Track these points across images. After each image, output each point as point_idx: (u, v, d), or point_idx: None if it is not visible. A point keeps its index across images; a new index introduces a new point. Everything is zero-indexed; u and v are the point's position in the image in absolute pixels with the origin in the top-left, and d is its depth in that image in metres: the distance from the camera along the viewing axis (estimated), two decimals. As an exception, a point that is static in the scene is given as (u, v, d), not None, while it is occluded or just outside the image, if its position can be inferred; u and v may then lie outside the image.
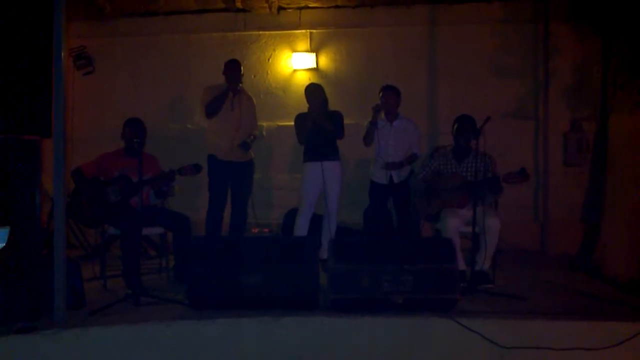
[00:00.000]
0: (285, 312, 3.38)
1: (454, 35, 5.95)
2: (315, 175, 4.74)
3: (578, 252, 5.05)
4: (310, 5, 6.03)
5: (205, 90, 4.86)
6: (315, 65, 6.06)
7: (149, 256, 5.15)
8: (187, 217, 4.30)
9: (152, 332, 3.27)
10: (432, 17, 5.96)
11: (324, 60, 6.11)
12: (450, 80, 5.92)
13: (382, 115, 4.78)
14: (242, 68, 4.90)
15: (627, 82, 4.80)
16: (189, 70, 6.12)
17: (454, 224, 4.10)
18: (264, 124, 5.96)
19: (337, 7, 6.04)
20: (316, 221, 4.88)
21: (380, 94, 4.79)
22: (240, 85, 4.87)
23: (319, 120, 4.68)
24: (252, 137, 4.93)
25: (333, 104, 4.97)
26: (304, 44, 6.11)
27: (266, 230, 5.47)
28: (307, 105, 4.83)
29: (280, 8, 6.05)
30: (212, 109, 4.74)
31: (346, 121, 4.92)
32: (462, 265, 4.06)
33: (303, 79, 5.98)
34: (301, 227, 4.76)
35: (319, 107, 4.76)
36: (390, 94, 4.78)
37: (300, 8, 6.08)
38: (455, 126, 4.41)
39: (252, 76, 6.05)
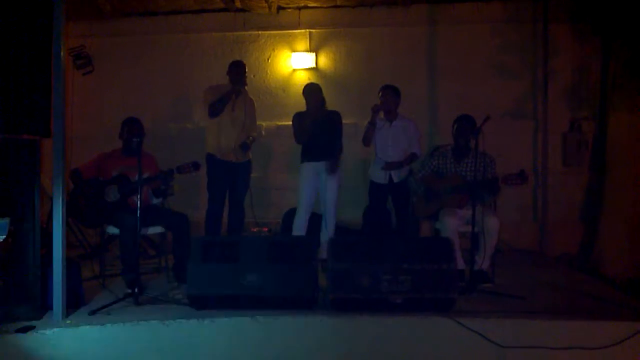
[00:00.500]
0: (284, 311, 3.39)
1: (453, 35, 5.95)
2: (312, 175, 4.75)
3: (577, 251, 5.07)
4: (309, 5, 6.03)
5: (208, 91, 4.86)
6: (314, 65, 6.06)
7: (148, 256, 5.15)
8: (187, 216, 4.30)
9: (151, 331, 3.27)
10: (431, 16, 5.96)
11: (324, 60, 6.11)
12: (450, 80, 5.92)
13: (382, 114, 4.78)
14: (246, 69, 4.91)
15: (626, 82, 4.82)
16: (188, 70, 6.13)
17: (453, 224, 4.10)
18: (263, 123, 5.97)
19: (336, 6, 6.04)
20: (315, 221, 4.89)
21: (380, 94, 4.79)
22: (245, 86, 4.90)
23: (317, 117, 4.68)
24: (251, 138, 4.94)
25: (332, 104, 4.96)
26: (303, 43, 6.11)
27: (265, 229, 5.48)
28: (305, 104, 4.84)
29: (279, 8, 6.05)
30: (216, 109, 4.75)
31: (345, 121, 4.92)
32: (461, 264, 4.06)
33: (302, 79, 5.98)
34: (300, 227, 4.77)
35: (316, 107, 4.77)
36: (390, 93, 4.78)
37: (300, 8, 6.08)
38: (455, 126, 4.41)
39: (252, 76, 6.05)
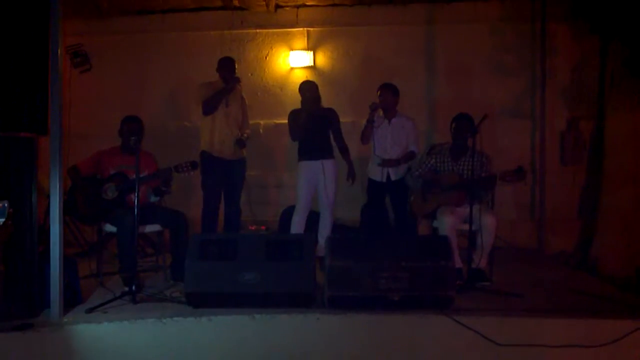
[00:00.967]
0: (282, 309, 3.39)
1: (451, 34, 5.94)
2: (310, 174, 4.76)
3: (574, 250, 5.07)
4: (307, 4, 6.03)
5: (201, 87, 4.87)
6: (312, 64, 6.05)
7: (146, 254, 5.14)
8: (184, 214, 4.30)
9: (148, 329, 3.27)
10: (429, 15, 5.96)
11: (321, 59, 6.10)
12: (448, 79, 5.92)
13: (381, 112, 4.78)
14: (235, 65, 4.93)
15: (624, 81, 4.83)
16: (186, 68, 6.10)
17: (451, 222, 4.10)
18: (261, 121, 5.97)
19: (334, 5, 6.03)
20: (313, 218, 4.89)
21: (378, 92, 4.79)
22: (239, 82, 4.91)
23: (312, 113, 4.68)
24: (246, 135, 4.95)
25: (330, 102, 4.96)
26: (301, 42, 6.11)
27: (263, 227, 5.48)
28: (301, 101, 4.83)
29: (277, 6, 6.04)
30: (211, 105, 4.75)
31: (343, 119, 4.92)
32: (458, 262, 4.07)
33: (300, 77, 5.97)
34: (298, 225, 4.77)
35: (312, 104, 4.76)
36: (388, 92, 4.79)
37: (298, 6, 6.07)
38: (454, 125, 4.41)
39: (250, 74, 6.05)
